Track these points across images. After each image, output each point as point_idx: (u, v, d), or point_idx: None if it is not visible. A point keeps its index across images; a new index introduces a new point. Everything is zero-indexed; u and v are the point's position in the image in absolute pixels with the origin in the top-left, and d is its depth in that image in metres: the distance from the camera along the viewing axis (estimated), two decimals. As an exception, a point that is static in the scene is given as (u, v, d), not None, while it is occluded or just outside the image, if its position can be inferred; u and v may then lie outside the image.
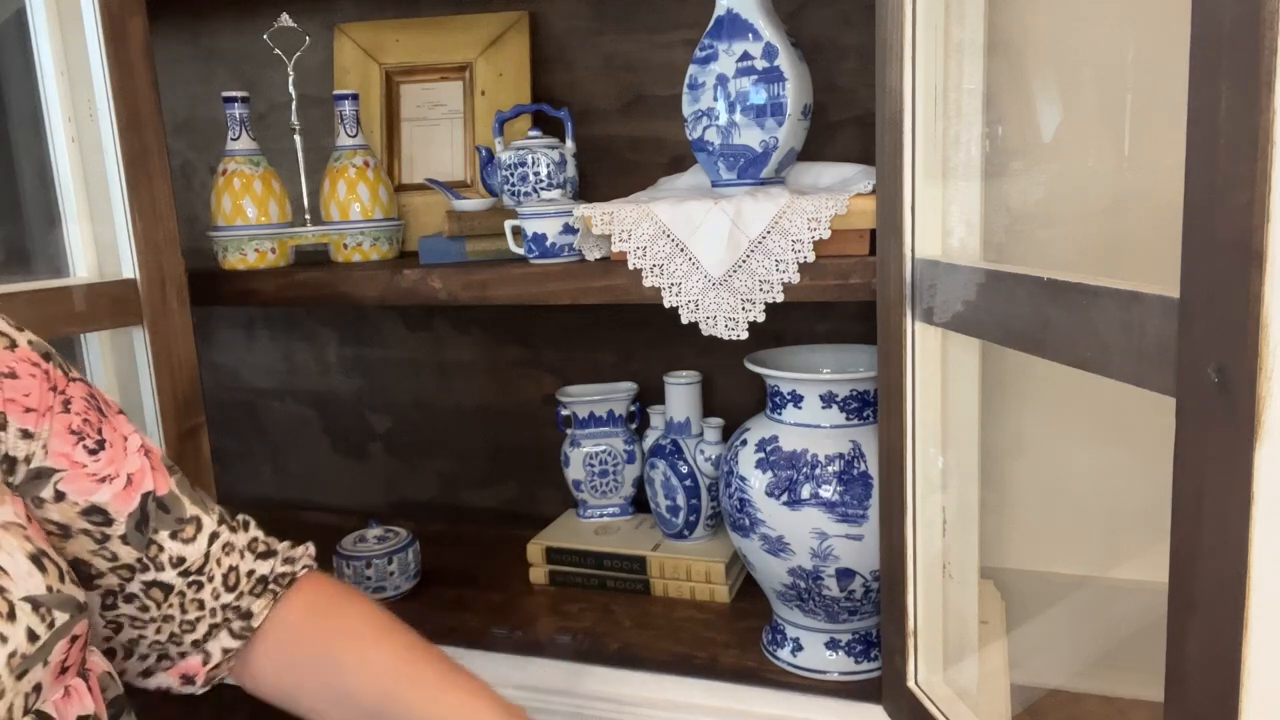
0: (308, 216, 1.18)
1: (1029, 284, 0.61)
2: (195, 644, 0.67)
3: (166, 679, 0.68)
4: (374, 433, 1.48)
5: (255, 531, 0.71)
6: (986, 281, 0.67)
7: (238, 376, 1.55)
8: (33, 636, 0.51)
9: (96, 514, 0.62)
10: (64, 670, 0.55)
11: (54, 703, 0.54)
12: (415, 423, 1.45)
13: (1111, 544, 0.98)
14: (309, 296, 1.10)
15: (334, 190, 1.16)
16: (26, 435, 0.59)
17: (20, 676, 0.51)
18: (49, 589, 0.53)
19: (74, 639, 0.55)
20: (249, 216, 1.14)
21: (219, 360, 1.55)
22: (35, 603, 0.52)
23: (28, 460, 0.59)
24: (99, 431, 0.64)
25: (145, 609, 0.65)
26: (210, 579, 0.67)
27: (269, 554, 0.71)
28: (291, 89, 1.16)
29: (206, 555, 0.67)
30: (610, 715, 0.97)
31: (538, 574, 1.19)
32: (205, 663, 0.68)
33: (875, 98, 0.77)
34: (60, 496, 0.61)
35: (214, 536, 0.67)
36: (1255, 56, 0.39)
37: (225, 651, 0.68)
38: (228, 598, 0.68)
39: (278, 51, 1.16)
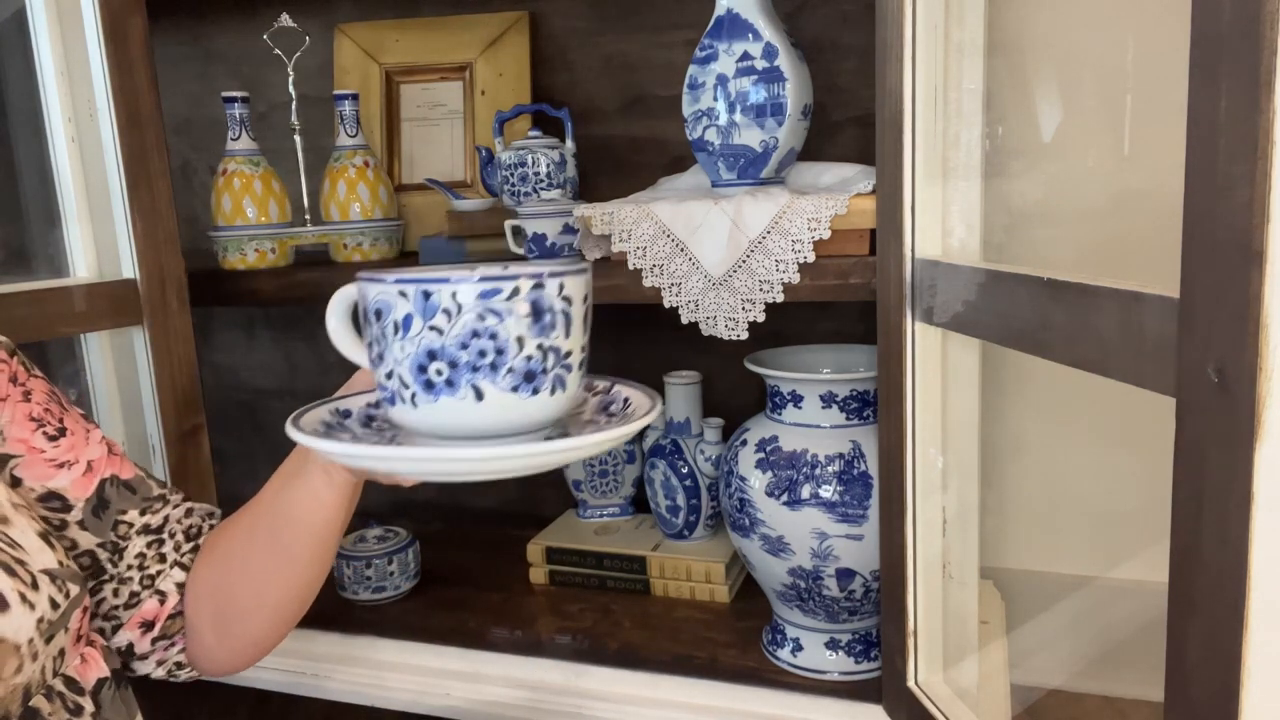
0: (308, 216, 1.18)
1: (1029, 284, 0.61)
2: (149, 587, 0.68)
3: (126, 635, 0.67)
4: (374, 433, 1.48)
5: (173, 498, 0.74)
6: (986, 281, 0.67)
7: (238, 376, 1.55)
8: (54, 605, 0.54)
9: (55, 500, 0.64)
10: (78, 639, 0.58)
11: (75, 668, 0.58)
12: (415, 423, 1.45)
13: (1111, 544, 0.98)
14: (309, 296, 1.10)
15: (334, 190, 1.16)
16: None
17: (48, 641, 0.54)
18: (60, 564, 0.57)
19: (84, 610, 0.59)
20: (249, 216, 1.14)
21: (219, 360, 1.55)
22: (52, 575, 0.55)
23: None
24: (60, 420, 0.66)
25: (103, 571, 0.67)
26: (172, 535, 0.70)
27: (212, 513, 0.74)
28: (291, 89, 1.16)
29: (166, 518, 0.70)
30: (610, 715, 0.97)
31: (538, 574, 1.19)
32: (163, 603, 0.68)
33: (875, 98, 0.77)
34: (16, 483, 0.63)
35: (178, 505, 0.71)
36: (1255, 56, 0.39)
37: (179, 586, 0.69)
38: (187, 546, 0.70)
39: (278, 51, 1.16)
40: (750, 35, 0.91)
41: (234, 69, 1.42)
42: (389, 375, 0.50)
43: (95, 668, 0.60)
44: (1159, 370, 0.48)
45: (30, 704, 0.53)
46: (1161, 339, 0.48)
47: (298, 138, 1.17)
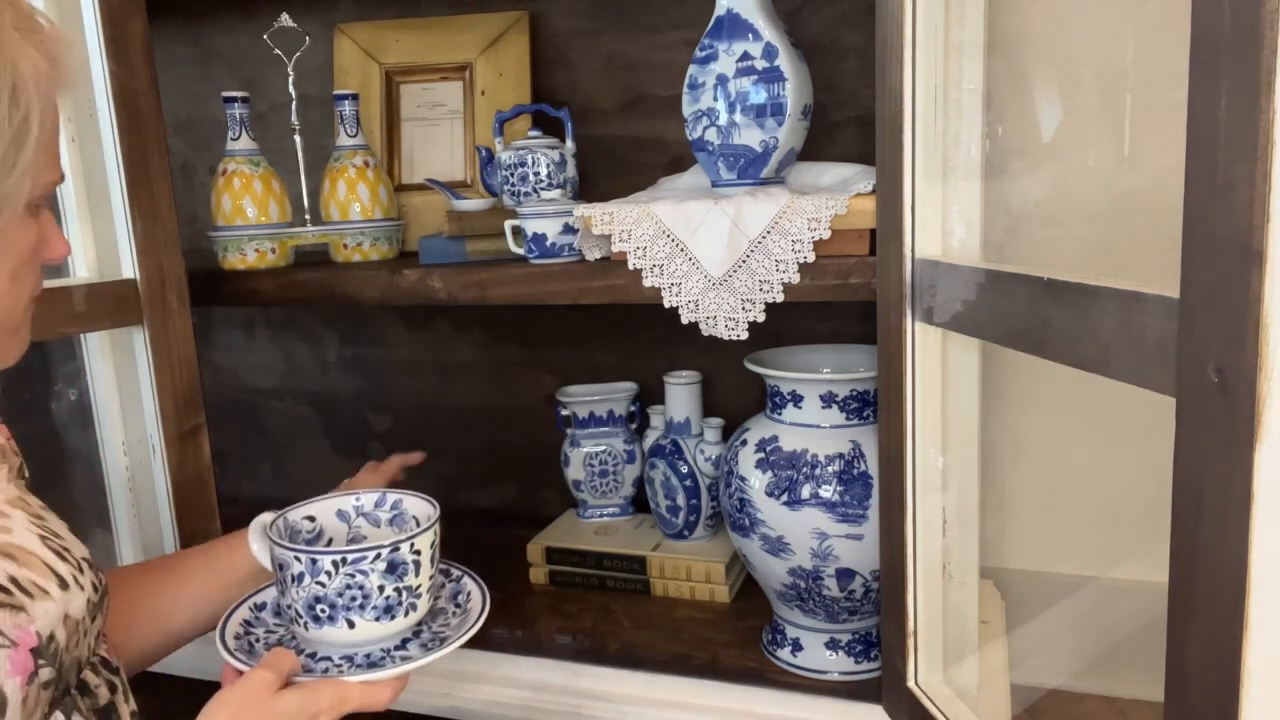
0: (308, 216, 1.18)
1: (1029, 284, 0.61)
2: None
3: None
4: (374, 433, 1.48)
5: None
6: (986, 281, 0.67)
7: (238, 376, 1.55)
8: (95, 588, 0.61)
9: None
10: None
11: (105, 650, 0.64)
12: (415, 423, 1.45)
13: (1111, 544, 0.98)
14: (309, 296, 1.10)
15: (334, 190, 1.16)
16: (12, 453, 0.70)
17: (93, 620, 0.61)
18: (90, 556, 0.63)
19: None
20: (249, 216, 1.14)
21: (219, 360, 1.55)
22: (89, 562, 0.62)
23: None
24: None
25: None
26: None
27: None
28: (291, 89, 1.16)
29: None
30: (610, 715, 0.97)
31: (538, 574, 1.19)
32: None
33: (875, 98, 0.77)
34: None
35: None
36: (1255, 56, 0.40)
37: None
38: None
39: (278, 51, 1.16)
40: (750, 35, 0.91)
41: (234, 69, 1.42)
42: (288, 606, 0.68)
43: (114, 656, 0.65)
44: (1159, 370, 0.48)
45: (81, 676, 0.60)
46: (1161, 339, 0.48)
47: (298, 138, 1.16)
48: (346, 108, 1.16)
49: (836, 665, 0.95)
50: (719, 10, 0.93)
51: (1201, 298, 0.44)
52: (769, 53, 0.91)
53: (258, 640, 0.72)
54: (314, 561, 0.65)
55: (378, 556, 0.66)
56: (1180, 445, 0.46)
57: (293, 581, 0.67)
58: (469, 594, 0.77)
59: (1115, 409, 0.85)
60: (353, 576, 0.66)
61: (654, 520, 1.21)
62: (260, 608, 0.76)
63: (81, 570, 0.60)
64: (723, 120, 0.93)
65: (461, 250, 1.09)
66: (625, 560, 1.15)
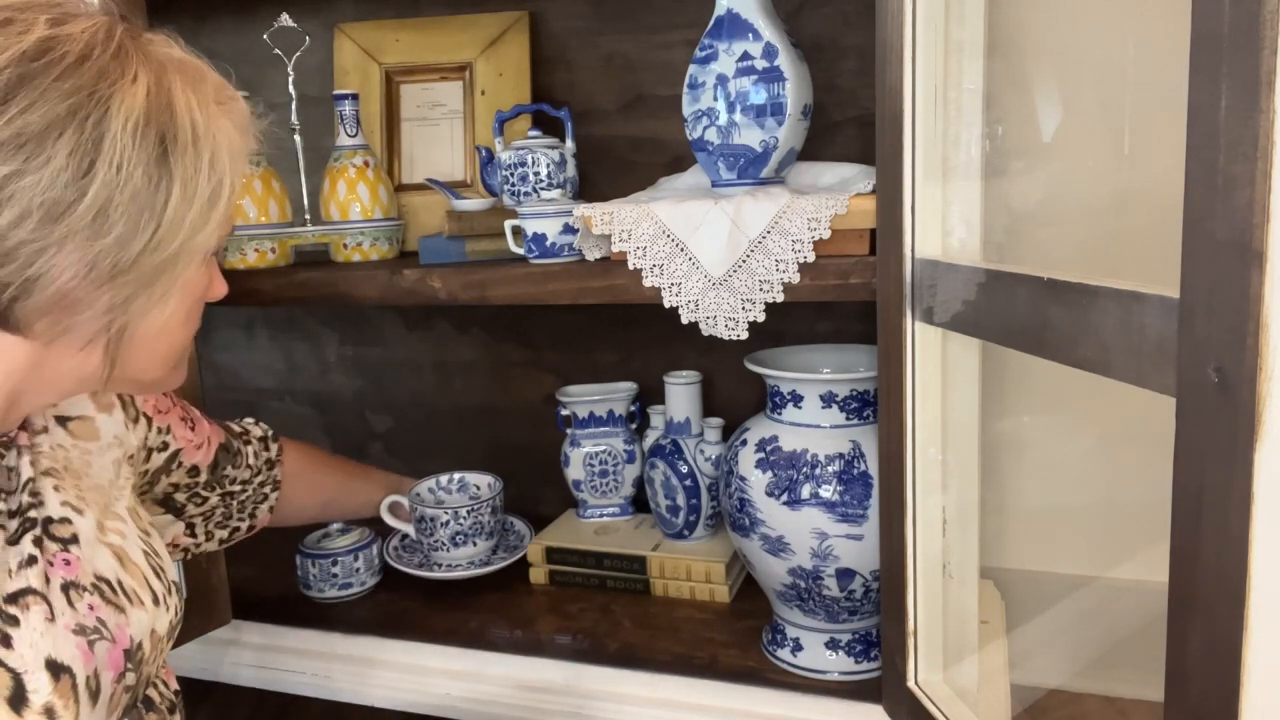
0: (308, 216, 1.18)
1: (1029, 284, 0.61)
2: (263, 502, 0.99)
3: (246, 535, 0.99)
4: (374, 433, 1.48)
5: (254, 429, 1.01)
6: (986, 281, 0.67)
7: (238, 376, 1.55)
8: (176, 611, 0.67)
9: (195, 470, 0.87)
10: None
11: (164, 673, 0.69)
12: (415, 423, 1.45)
13: (1111, 544, 0.98)
14: (309, 296, 1.10)
15: (334, 190, 1.16)
16: (160, 431, 0.81)
17: (169, 641, 0.66)
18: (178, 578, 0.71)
19: None
20: (249, 216, 1.14)
21: (219, 360, 1.55)
22: (177, 586, 0.68)
23: (163, 447, 0.81)
24: (185, 412, 0.86)
25: (228, 510, 0.95)
26: (258, 472, 0.98)
27: (264, 438, 1.02)
28: (291, 89, 1.16)
29: (250, 466, 0.96)
30: (610, 715, 0.97)
31: (538, 574, 1.19)
32: (270, 510, 1.00)
33: (875, 98, 0.77)
34: (180, 465, 0.85)
35: (251, 454, 0.97)
36: (1255, 56, 0.40)
37: (271, 506, 1.01)
38: (265, 474, 0.99)
39: (278, 51, 1.16)
40: (750, 35, 0.91)
41: (234, 69, 1.41)
42: (435, 541, 1.13)
43: (172, 678, 0.69)
44: (1159, 370, 0.48)
45: (147, 692, 0.64)
46: (1161, 339, 0.48)
47: (298, 138, 1.16)
48: (346, 108, 1.16)
49: (836, 665, 0.95)
50: (719, 10, 0.93)
51: (1201, 298, 0.44)
52: (769, 53, 0.91)
53: (402, 554, 1.18)
54: (455, 512, 1.11)
55: (486, 504, 1.13)
56: (1180, 445, 0.46)
57: (441, 525, 1.11)
58: (512, 523, 1.24)
59: (1115, 409, 0.84)
60: (477, 516, 1.12)
61: (654, 520, 1.21)
62: (403, 542, 1.21)
63: (170, 592, 0.66)
64: (723, 120, 0.93)
65: (461, 250, 1.09)
66: (625, 560, 1.15)
